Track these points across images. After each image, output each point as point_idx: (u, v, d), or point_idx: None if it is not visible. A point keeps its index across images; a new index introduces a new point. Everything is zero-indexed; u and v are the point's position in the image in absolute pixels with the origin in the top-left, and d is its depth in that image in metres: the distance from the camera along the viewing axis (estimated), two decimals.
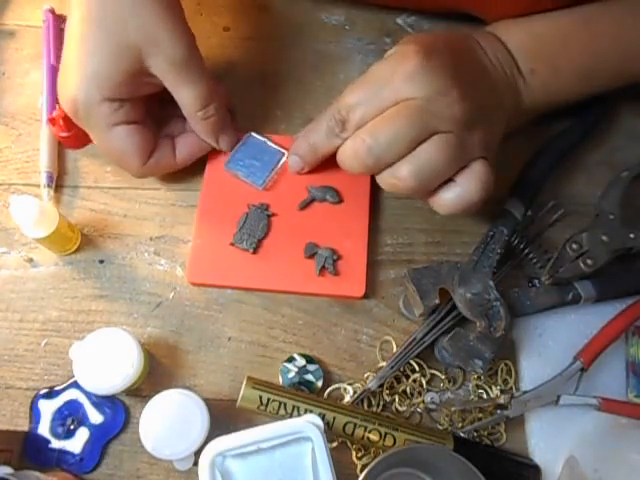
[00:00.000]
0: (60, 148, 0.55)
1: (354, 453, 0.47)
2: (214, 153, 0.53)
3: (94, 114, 0.45)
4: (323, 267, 0.49)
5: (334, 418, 0.44)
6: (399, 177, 0.43)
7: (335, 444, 0.47)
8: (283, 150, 0.53)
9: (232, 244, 0.50)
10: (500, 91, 0.48)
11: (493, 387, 0.48)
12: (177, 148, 0.51)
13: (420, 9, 0.60)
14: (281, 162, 0.53)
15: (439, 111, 0.42)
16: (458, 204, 0.45)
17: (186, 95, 0.47)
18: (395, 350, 0.49)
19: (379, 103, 0.43)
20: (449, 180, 0.45)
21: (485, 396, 0.48)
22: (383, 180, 0.45)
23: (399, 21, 0.61)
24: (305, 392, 0.47)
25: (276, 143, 0.53)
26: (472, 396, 0.49)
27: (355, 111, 0.44)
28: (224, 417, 0.46)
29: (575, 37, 0.50)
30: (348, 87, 0.45)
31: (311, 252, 0.50)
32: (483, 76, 0.47)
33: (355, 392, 0.48)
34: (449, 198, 0.45)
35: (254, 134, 0.53)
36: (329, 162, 0.52)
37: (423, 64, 0.42)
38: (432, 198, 0.46)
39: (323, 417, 0.44)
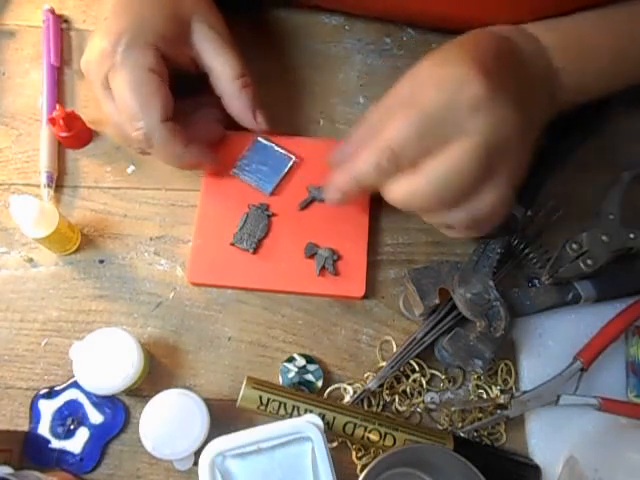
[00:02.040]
0: (60, 148, 0.55)
1: (354, 453, 0.47)
2: (215, 153, 0.53)
3: (135, 52, 0.45)
4: (323, 267, 0.49)
5: (334, 418, 0.44)
6: (451, 222, 0.42)
7: (335, 444, 0.47)
8: (290, 155, 0.53)
9: (232, 244, 0.50)
10: (542, 99, 0.45)
11: (493, 387, 0.48)
12: (189, 146, 0.48)
13: (413, 24, 0.59)
14: (288, 167, 0.52)
15: (504, 146, 0.39)
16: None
17: (225, 62, 0.48)
18: (395, 350, 0.49)
19: (439, 141, 0.39)
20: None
21: (485, 396, 0.48)
22: (433, 219, 0.44)
23: None
24: (305, 392, 0.47)
25: (281, 146, 0.53)
26: (472, 396, 0.49)
27: (412, 146, 0.39)
28: (224, 417, 0.46)
29: (598, 35, 0.48)
30: (398, 118, 0.40)
31: (311, 252, 0.50)
32: (531, 89, 0.43)
33: (355, 392, 0.48)
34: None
35: (261, 139, 0.53)
36: None
37: (488, 94, 0.38)
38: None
39: (323, 417, 0.44)
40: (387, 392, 0.48)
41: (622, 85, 0.50)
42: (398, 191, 0.41)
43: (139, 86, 0.44)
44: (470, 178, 0.39)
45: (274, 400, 0.44)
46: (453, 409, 0.48)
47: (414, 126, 0.39)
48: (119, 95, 0.45)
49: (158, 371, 0.48)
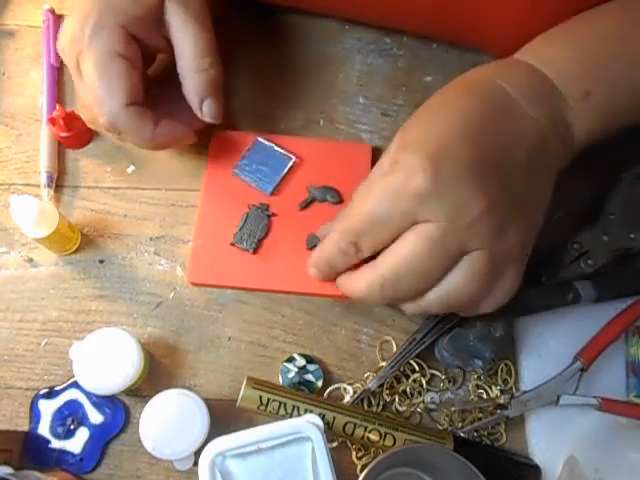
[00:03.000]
0: (60, 148, 0.55)
1: (354, 453, 0.47)
2: (215, 152, 0.53)
3: (103, 35, 0.44)
4: None
5: (334, 418, 0.44)
6: (424, 307, 0.40)
7: (335, 444, 0.47)
8: (290, 155, 0.53)
9: (232, 244, 0.50)
10: (547, 149, 0.41)
11: (493, 387, 0.48)
12: (158, 126, 0.47)
13: (417, 34, 0.58)
14: (288, 167, 0.52)
15: (463, 230, 0.37)
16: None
17: (188, 40, 0.46)
18: (395, 350, 0.49)
19: (390, 230, 0.38)
20: None
21: (485, 396, 0.48)
22: (406, 307, 0.42)
23: None
24: (305, 392, 0.47)
25: (281, 146, 0.53)
26: (472, 396, 0.49)
27: (367, 237, 0.39)
28: (224, 417, 0.46)
29: (626, 43, 0.43)
30: (354, 208, 0.40)
31: (312, 244, 0.49)
32: (519, 146, 0.39)
33: (355, 392, 0.48)
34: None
35: (261, 139, 0.53)
36: (329, 162, 0.52)
37: (432, 183, 0.36)
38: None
39: (323, 417, 0.44)
40: (387, 392, 0.48)
41: None
42: (359, 284, 0.41)
43: (104, 71, 0.44)
44: (427, 266, 0.37)
45: (274, 400, 0.44)
46: (453, 409, 0.48)
47: (364, 216, 0.39)
48: (87, 79, 0.45)
49: (158, 371, 0.48)
